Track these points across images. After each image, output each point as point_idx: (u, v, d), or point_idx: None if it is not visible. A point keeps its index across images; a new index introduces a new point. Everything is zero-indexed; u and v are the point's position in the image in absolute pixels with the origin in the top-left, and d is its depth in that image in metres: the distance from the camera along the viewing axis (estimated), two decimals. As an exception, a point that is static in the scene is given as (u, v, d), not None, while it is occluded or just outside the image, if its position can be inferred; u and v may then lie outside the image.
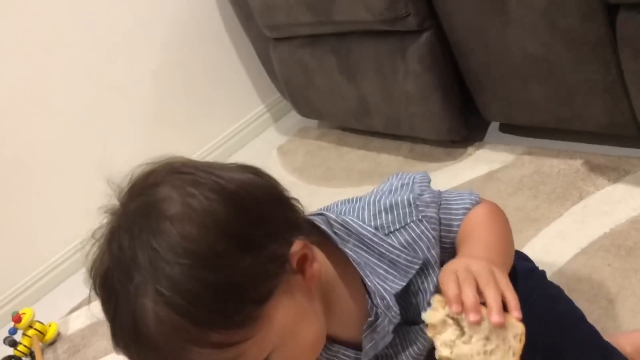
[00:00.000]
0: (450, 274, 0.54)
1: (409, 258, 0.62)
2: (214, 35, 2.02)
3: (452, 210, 0.67)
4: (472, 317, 0.50)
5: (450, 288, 0.52)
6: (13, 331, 1.47)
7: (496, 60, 1.17)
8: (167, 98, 1.97)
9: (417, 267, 0.63)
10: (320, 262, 0.61)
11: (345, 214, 0.65)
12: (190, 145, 2.04)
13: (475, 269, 0.53)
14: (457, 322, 0.52)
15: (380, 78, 1.42)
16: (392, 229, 0.63)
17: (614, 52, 0.99)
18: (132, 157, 2.04)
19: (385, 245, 0.62)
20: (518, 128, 1.33)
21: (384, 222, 0.63)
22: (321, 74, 1.62)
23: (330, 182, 1.60)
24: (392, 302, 0.61)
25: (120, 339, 0.54)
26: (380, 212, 0.64)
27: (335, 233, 0.63)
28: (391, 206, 0.64)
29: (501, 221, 0.68)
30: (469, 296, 0.51)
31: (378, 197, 0.67)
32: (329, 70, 1.57)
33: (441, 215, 0.66)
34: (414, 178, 0.68)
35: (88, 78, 1.81)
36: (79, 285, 1.74)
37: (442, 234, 0.66)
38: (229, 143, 2.11)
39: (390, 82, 1.40)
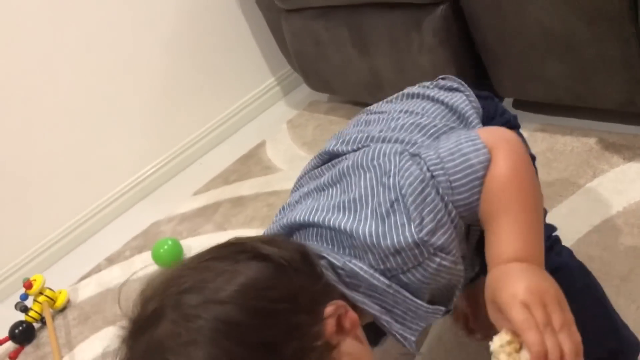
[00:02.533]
0: (521, 311, 0.50)
1: (431, 310, 0.60)
2: (224, 6, 2.00)
3: (463, 189, 0.58)
4: None
5: (531, 337, 0.49)
6: (24, 297, 1.49)
7: (513, 34, 1.15)
8: (177, 70, 1.96)
9: (440, 315, 0.61)
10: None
11: (334, 225, 0.59)
12: (199, 117, 2.04)
13: (541, 297, 0.50)
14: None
15: (393, 51, 1.41)
16: (405, 269, 0.58)
17: (635, 28, 0.97)
18: (141, 129, 2.06)
19: (401, 297, 0.59)
20: (532, 104, 1.32)
21: (394, 265, 0.58)
22: (333, 46, 1.60)
23: (340, 156, 1.59)
24: (411, 346, 0.60)
25: None
26: (387, 256, 0.57)
27: (343, 281, 0.59)
28: (396, 250, 0.57)
29: (527, 180, 0.59)
30: (553, 352, 0.48)
31: (368, 223, 0.58)
32: (342, 43, 1.55)
33: (457, 202, 0.58)
34: (401, 191, 0.58)
35: (96, 50, 1.80)
36: (89, 254, 1.77)
37: (466, 216, 0.59)
38: (239, 115, 2.10)
39: (404, 55, 1.38)
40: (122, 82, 1.86)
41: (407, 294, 0.59)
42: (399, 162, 0.60)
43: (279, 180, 1.63)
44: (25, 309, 1.48)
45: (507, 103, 1.40)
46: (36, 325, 1.50)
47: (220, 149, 2.06)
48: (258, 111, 2.14)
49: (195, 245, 1.52)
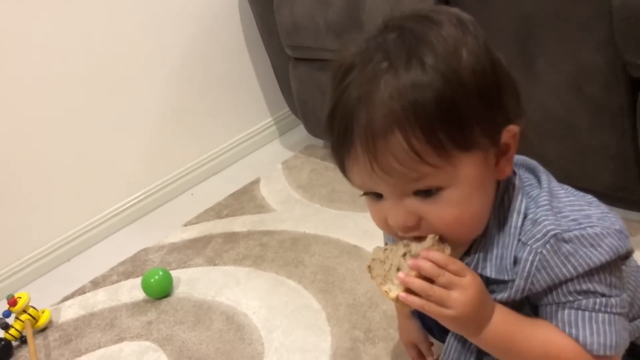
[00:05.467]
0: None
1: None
2: (232, 45, 2.07)
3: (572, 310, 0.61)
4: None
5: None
6: (7, 314, 1.47)
7: (516, 112, 1.23)
8: (179, 101, 2.00)
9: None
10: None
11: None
12: (196, 148, 2.07)
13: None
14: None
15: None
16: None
17: (632, 122, 1.06)
18: (139, 155, 2.09)
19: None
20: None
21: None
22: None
23: (335, 203, 1.64)
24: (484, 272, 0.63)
25: (344, 96, 0.58)
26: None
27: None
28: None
29: None
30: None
31: None
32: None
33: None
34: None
35: (100, 74, 1.82)
36: (73, 273, 1.76)
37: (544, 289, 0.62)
38: (234, 150, 2.14)
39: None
40: (122, 106, 1.89)
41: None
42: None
43: (272, 220, 1.66)
44: (6, 326, 1.46)
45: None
46: (15, 343, 1.48)
47: (213, 182, 2.08)
48: (253, 148, 2.19)
49: (184, 277, 1.54)
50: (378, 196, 0.62)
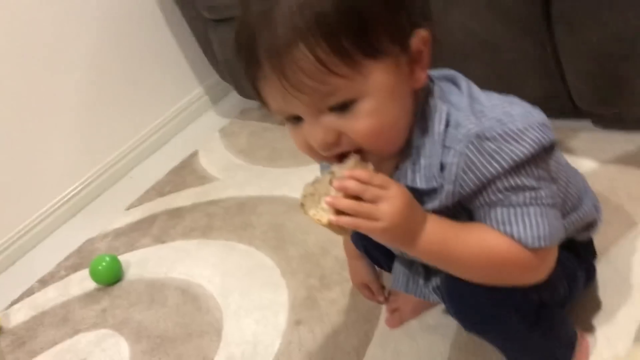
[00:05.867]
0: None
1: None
2: (147, 17, 1.98)
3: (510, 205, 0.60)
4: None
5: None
6: (-48, 327, 1.41)
7: (436, 35, 1.21)
8: (102, 82, 1.91)
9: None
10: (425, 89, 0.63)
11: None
12: (127, 129, 2.00)
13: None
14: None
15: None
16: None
17: (548, 29, 1.06)
18: (67, 144, 2.00)
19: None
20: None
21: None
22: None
23: (277, 162, 1.61)
24: (412, 183, 0.62)
25: (246, 17, 0.58)
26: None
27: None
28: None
29: (502, 273, 0.62)
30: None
31: None
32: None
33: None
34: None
35: (17, 64, 1.73)
36: (19, 276, 1.69)
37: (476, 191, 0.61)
38: (168, 126, 2.08)
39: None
40: (46, 96, 1.80)
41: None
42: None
43: (216, 189, 1.63)
44: (-47, 340, 1.40)
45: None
46: (-35, 355, 1.42)
47: (151, 161, 2.02)
48: (187, 121, 2.13)
49: (133, 260, 1.49)
50: (297, 120, 0.61)
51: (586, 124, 1.22)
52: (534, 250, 0.60)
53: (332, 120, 0.58)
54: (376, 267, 0.97)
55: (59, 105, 1.83)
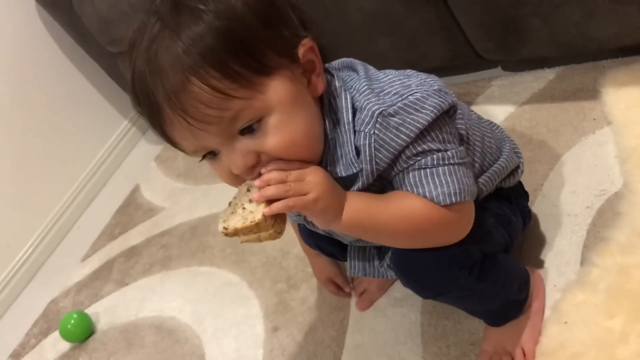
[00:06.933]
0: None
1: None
2: (54, 64, 1.93)
3: (424, 176, 0.63)
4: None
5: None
6: None
7: (338, 23, 1.24)
8: (25, 141, 1.86)
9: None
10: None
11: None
12: (62, 181, 1.96)
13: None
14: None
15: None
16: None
17: (439, -7, 1.10)
18: (7, 212, 1.91)
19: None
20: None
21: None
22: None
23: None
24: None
25: (136, 71, 0.59)
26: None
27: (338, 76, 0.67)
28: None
29: (420, 232, 0.65)
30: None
31: None
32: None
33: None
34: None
35: None
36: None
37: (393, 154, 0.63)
38: (104, 166, 2.04)
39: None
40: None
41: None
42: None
43: (165, 218, 1.62)
44: None
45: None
46: None
47: (95, 207, 1.99)
48: (121, 157, 2.10)
49: (101, 310, 1.48)
50: (214, 154, 0.63)
51: (498, 71, 1.27)
52: (447, 207, 0.63)
53: (246, 143, 0.60)
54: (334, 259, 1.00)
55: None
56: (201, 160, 0.65)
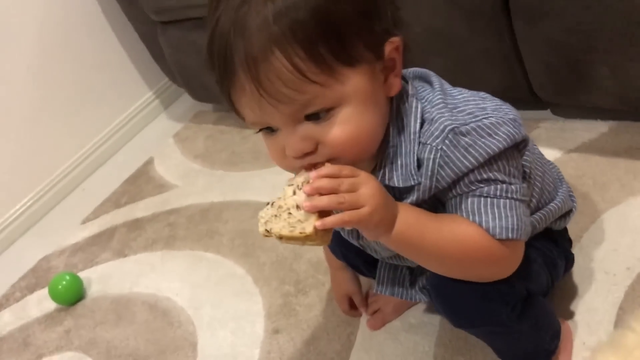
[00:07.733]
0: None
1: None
2: (91, 21, 1.90)
3: (482, 207, 0.60)
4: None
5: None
6: None
7: (397, 34, 1.21)
8: (46, 92, 1.82)
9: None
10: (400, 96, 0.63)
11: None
12: (76, 139, 1.92)
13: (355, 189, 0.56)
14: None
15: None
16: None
17: (508, 22, 1.07)
18: (13, 157, 1.90)
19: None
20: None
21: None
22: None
23: (238, 165, 1.58)
24: (389, 182, 0.61)
25: (218, 29, 0.56)
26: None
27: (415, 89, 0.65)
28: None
29: (473, 262, 0.62)
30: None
31: None
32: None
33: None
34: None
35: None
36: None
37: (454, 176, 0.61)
38: (119, 134, 2.01)
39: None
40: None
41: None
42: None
43: (176, 197, 1.58)
44: None
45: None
46: None
47: (103, 172, 1.95)
48: (139, 128, 2.06)
49: (94, 276, 1.43)
50: (272, 130, 0.60)
51: (546, 113, 1.24)
52: (502, 241, 0.60)
53: (309, 129, 0.57)
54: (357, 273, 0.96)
55: (1, 118, 1.74)
56: (257, 132, 0.62)
